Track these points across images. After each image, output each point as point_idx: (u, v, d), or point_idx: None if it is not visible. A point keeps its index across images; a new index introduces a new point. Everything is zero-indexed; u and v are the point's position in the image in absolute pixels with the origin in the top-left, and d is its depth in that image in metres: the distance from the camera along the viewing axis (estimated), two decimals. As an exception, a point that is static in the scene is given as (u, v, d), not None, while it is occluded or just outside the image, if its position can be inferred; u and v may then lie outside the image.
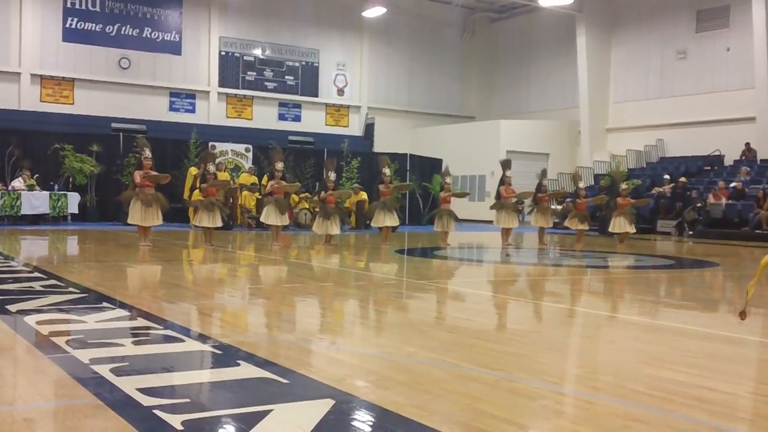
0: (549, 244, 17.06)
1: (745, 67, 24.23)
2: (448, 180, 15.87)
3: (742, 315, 3.53)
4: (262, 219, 13.99)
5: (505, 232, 16.13)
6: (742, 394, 4.16)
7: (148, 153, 12.71)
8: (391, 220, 15.03)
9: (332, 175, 14.39)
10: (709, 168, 25.07)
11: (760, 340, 5.95)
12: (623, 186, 17.63)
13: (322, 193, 14.33)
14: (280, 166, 13.85)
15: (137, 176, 12.54)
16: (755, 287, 3.76)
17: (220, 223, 13.43)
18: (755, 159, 23.86)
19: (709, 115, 25.13)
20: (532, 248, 16.02)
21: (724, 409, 3.78)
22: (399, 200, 15.57)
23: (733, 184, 21.90)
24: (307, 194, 20.67)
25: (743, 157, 24.24)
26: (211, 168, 13.55)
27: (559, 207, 20.39)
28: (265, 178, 20.35)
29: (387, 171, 15.14)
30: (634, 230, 17.45)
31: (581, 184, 17.43)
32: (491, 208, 16.53)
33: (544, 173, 17.40)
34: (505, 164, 16.53)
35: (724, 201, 21.41)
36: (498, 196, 16.27)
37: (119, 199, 13.76)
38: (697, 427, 3.43)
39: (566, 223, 17.44)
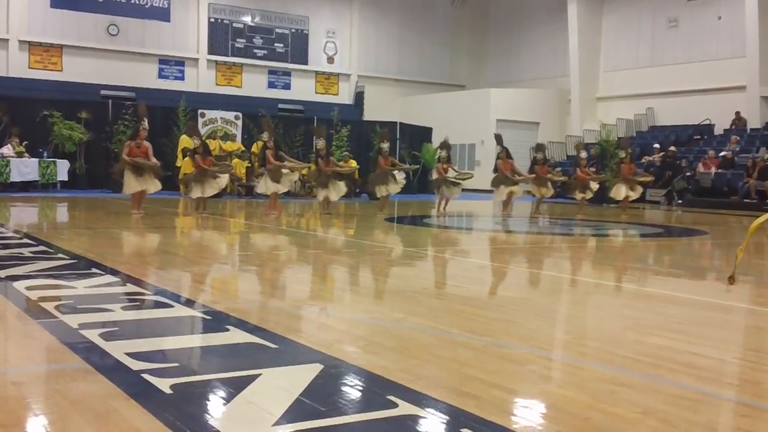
0: (542, 213, 16.88)
1: (736, 36, 24.15)
2: (444, 153, 15.98)
3: (731, 280, 3.55)
4: (260, 190, 13.82)
5: (506, 202, 15.88)
6: (728, 360, 4.21)
7: (146, 123, 12.49)
8: (393, 188, 14.99)
9: (321, 143, 14.22)
10: (698, 137, 25.10)
11: (747, 307, 5.99)
12: (622, 154, 17.41)
13: (319, 161, 14.13)
14: (265, 136, 13.66)
15: (126, 149, 12.34)
16: (743, 253, 3.78)
17: (211, 192, 13.45)
18: (745, 128, 23.88)
19: (700, 84, 25.09)
20: (524, 217, 16.05)
21: (710, 375, 3.82)
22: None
23: (722, 153, 21.95)
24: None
25: (733, 126, 24.26)
26: (196, 141, 13.57)
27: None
28: (255, 145, 20.35)
29: (384, 146, 14.95)
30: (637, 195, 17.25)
31: (583, 154, 17.20)
32: (492, 184, 16.23)
33: (539, 148, 17.13)
34: (498, 139, 16.51)
35: (713, 170, 21.47)
36: (496, 169, 16.05)
37: (112, 174, 13.68)
38: (684, 392, 3.46)
39: (569, 193, 17.28)
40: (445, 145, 16.15)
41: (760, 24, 22.98)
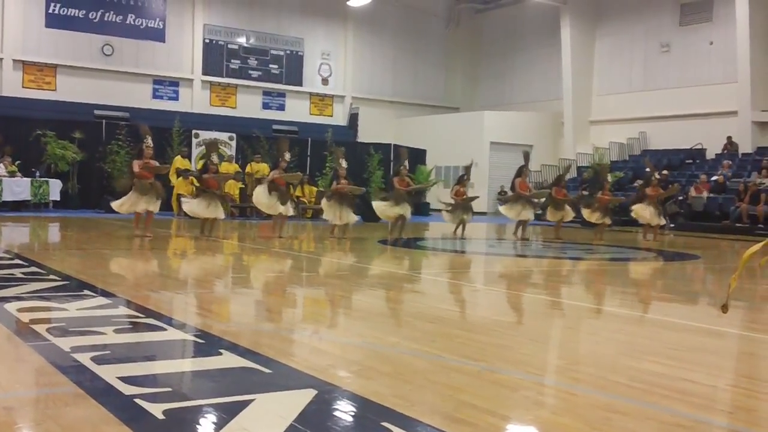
0: (560, 238, 16.00)
1: (727, 61, 24.35)
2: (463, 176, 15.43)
3: (724, 308, 3.56)
4: (266, 210, 13.33)
5: (519, 224, 15.37)
6: (722, 387, 4.20)
7: (149, 141, 12.20)
8: (404, 210, 14.08)
9: (343, 163, 13.82)
10: (690, 161, 25.22)
11: (740, 333, 6.00)
12: (654, 174, 16.25)
13: (334, 183, 13.76)
14: (287, 156, 13.39)
15: (136, 165, 12.02)
16: (737, 281, 3.79)
17: (221, 215, 12.92)
18: (737, 153, 24.00)
19: (692, 109, 25.24)
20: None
21: (704, 401, 3.81)
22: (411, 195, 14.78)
23: (714, 178, 22.05)
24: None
25: (725, 151, 24.38)
26: (215, 159, 13.11)
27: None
28: (249, 166, 20.36)
29: (405, 164, 14.28)
30: (662, 222, 16.32)
31: (609, 178, 16.39)
32: (504, 200, 15.75)
33: (564, 175, 16.44)
34: (527, 157, 15.85)
35: (705, 194, 21.56)
36: (513, 188, 15.58)
37: (117, 186, 13.38)
38: (677, 419, 3.45)
39: (586, 216, 15.97)
40: (467, 168, 15.65)
41: (751, 49, 23.20)
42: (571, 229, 18.92)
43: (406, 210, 13.93)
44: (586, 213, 15.85)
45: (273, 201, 13.02)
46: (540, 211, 17.08)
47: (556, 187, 15.78)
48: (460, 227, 15.22)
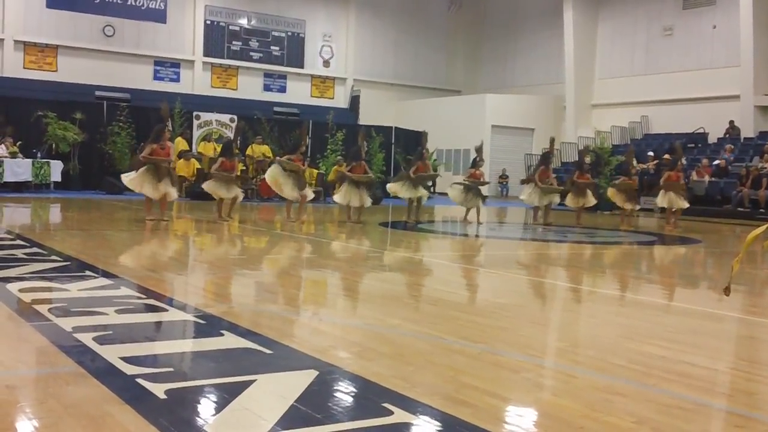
0: (581, 224, 15.53)
1: (730, 45, 24.25)
2: (478, 158, 14.65)
3: (726, 291, 3.56)
4: (286, 195, 12.94)
5: (537, 209, 15.12)
6: (721, 370, 4.22)
7: (169, 125, 11.92)
8: (421, 193, 14.00)
9: (365, 146, 13.62)
10: (692, 145, 25.14)
11: (740, 317, 6.01)
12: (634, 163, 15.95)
13: (353, 163, 13.40)
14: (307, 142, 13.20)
15: (148, 149, 11.51)
16: (739, 264, 3.79)
17: (240, 196, 12.74)
18: (739, 137, 23.95)
19: (694, 93, 25.16)
20: (522, 223, 16.06)
21: (704, 384, 3.83)
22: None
23: (716, 162, 22.01)
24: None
25: (727, 135, 24.33)
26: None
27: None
28: (250, 148, 20.31)
29: (428, 149, 14.09)
30: (686, 204, 15.53)
31: (635, 162, 15.72)
32: (522, 182, 15.34)
33: (585, 152, 16.22)
34: (553, 142, 15.46)
35: (707, 178, 21.52)
36: (534, 173, 15.17)
37: (131, 163, 13.03)
38: (677, 401, 3.47)
39: (611, 197, 15.60)
40: (478, 149, 14.89)
41: (754, 33, 23.09)
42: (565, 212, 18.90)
43: (422, 192, 13.87)
44: (611, 193, 15.49)
45: (290, 184, 12.70)
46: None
47: (578, 172, 15.34)
48: (474, 212, 14.71)
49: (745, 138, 23.75)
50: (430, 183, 14.98)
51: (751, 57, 23.21)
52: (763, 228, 3.34)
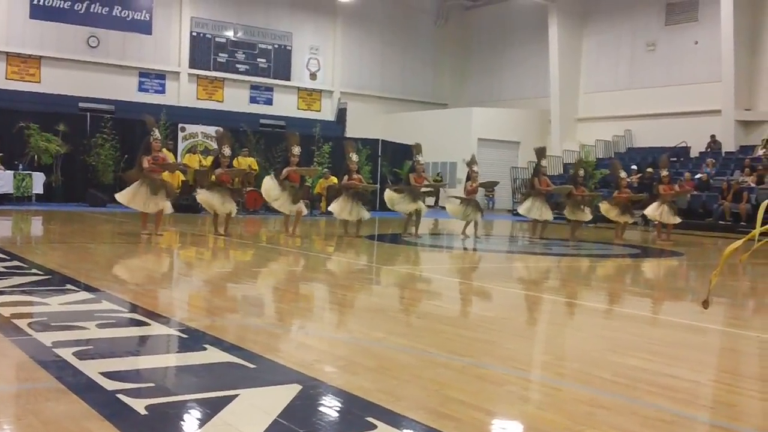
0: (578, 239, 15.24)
1: (712, 61, 24.50)
2: (475, 168, 14.37)
3: (705, 304, 3.58)
4: (279, 208, 12.70)
5: (535, 224, 14.94)
6: (704, 382, 4.23)
7: (157, 134, 11.61)
8: (419, 205, 13.79)
9: (354, 157, 13.32)
10: (675, 159, 25.33)
11: (722, 329, 6.04)
12: (664, 172, 15.80)
13: (345, 177, 13.20)
14: (296, 150, 12.64)
15: (145, 161, 11.29)
16: (718, 277, 3.81)
17: (234, 211, 12.36)
18: (720, 151, 24.20)
19: (677, 107, 25.39)
20: (503, 236, 16.09)
21: (687, 397, 3.83)
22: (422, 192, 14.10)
23: (698, 176, 22.17)
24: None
25: (708, 149, 24.56)
26: (227, 151, 12.09)
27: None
28: (236, 160, 20.19)
29: (420, 158, 13.93)
30: (678, 219, 15.69)
31: (623, 174, 15.80)
32: (523, 196, 15.15)
33: (579, 165, 16.20)
34: (540, 153, 15.24)
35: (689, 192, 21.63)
36: (532, 186, 15.06)
37: (123, 176, 12.46)
38: (661, 413, 3.47)
39: (605, 213, 15.49)
40: (470, 163, 14.57)
41: (735, 49, 23.36)
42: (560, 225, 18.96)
43: (421, 205, 13.77)
44: (604, 208, 15.45)
45: (285, 198, 12.45)
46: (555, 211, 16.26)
47: (575, 186, 15.15)
48: (471, 226, 14.40)
49: (726, 152, 23.98)
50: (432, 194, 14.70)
51: (732, 72, 23.46)
52: (740, 242, 3.36)
